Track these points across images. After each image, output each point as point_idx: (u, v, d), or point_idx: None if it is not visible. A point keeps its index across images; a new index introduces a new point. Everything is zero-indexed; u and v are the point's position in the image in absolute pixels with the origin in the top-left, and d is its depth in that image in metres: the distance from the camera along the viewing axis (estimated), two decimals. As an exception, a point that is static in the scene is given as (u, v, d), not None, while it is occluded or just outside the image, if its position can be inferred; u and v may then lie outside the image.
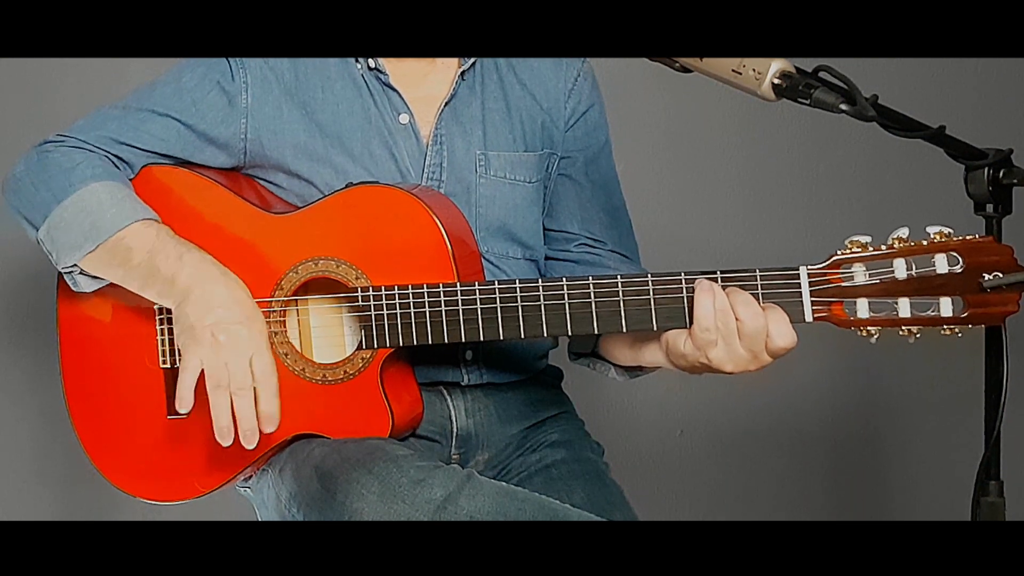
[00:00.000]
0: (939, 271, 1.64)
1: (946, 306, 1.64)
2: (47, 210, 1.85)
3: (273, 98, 1.91)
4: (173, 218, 1.87)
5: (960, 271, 1.63)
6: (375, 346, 1.81)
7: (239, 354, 1.78)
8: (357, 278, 1.82)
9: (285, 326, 1.87)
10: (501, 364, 1.96)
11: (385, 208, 1.82)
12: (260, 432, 1.78)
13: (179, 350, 1.81)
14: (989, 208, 1.63)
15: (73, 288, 1.89)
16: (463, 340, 1.78)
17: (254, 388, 1.77)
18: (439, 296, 1.78)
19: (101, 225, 1.83)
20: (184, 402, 1.79)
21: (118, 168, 1.89)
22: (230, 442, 1.78)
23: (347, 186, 1.86)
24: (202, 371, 1.78)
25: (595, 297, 1.74)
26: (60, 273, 1.91)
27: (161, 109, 1.90)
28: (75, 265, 1.86)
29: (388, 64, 1.93)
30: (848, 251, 1.67)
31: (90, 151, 1.88)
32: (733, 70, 1.60)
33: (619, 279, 1.73)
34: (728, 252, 2.91)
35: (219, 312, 1.78)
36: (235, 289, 1.81)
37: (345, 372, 1.83)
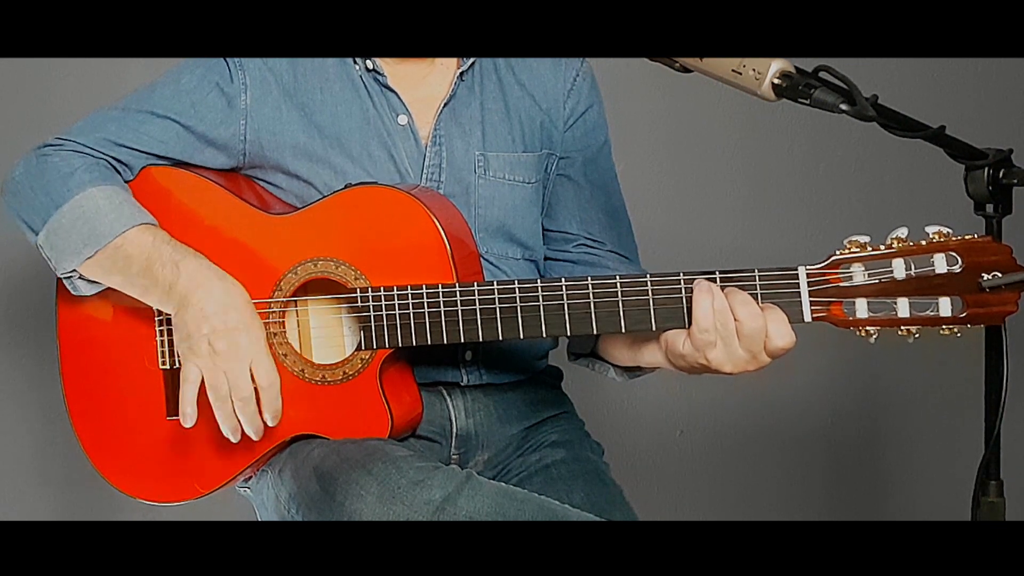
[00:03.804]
0: (938, 271, 1.63)
1: (945, 306, 1.63)
2: (46, 215, 1.85)
3: (272, 99, 1.90)
4: (172, 219, 1.87)
5: (959, 271, 1.62)
6: (374, 347, 1.81)
7: (238, 362, 1.78)
8: (356, 279, 1.81)
9: (284, 327, 1.87)
10: (501, 364, 1.96)
11: (384, 209, 1.82)
12: (265, 427, 1.82)
13: (179, 359, 1.82)
14: (989, 208, 1.62)
15: (73, 292, 1.89)
16: (462, 341, 1.78)
17: (256, 393, 1.79)
18: (438, 297, 1.78)
19: (100, 231, 1.83)
20: (187, 417, 1.80)
21: (117, 171, 1.89)
22: (237, 440, 1.82)
23: (346, 187, 1.86)
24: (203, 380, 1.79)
25: (594, 297, 1.74)
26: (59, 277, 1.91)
27: (160, 111, 1.89)
28: (74, 270, 1.86)
29: (386, 65, 1.93)
30: (847, 251, 1.66)
31: (89, 155, 1.87)
32: (733, 70, 1.60)
33: (618, 279, 1.73)
34: (727, 252, 2.91)
35: (215, 320, 1.79)
36: (232, 294, 1.81)
37: (344, 373, 1.83)
